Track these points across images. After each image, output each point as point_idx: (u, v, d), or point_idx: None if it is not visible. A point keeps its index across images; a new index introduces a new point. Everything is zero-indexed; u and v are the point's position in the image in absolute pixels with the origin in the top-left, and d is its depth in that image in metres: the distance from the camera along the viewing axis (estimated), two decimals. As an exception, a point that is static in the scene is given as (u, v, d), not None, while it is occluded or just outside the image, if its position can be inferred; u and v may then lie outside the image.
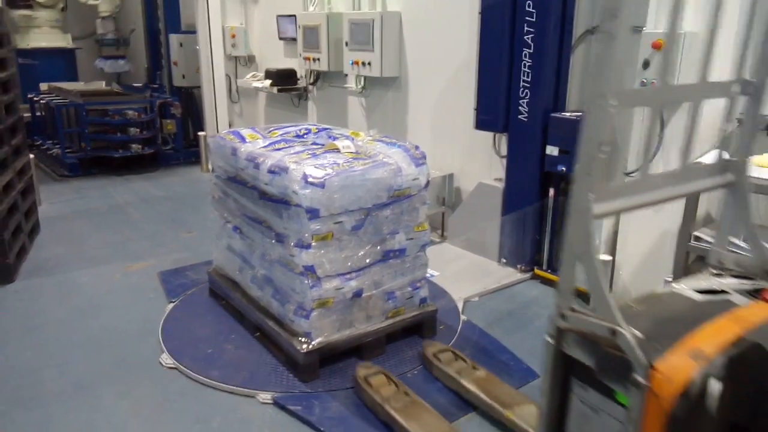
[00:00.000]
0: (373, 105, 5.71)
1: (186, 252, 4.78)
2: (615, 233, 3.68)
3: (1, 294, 4.04)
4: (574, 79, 4.03)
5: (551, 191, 4.00)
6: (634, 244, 3.55)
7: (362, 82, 5.72)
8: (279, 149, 3.25)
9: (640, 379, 1.41)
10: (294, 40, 6.43)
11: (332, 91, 6.21)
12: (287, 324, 3.10)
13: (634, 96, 1.80)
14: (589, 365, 1.56)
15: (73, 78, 9.48)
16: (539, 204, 4.08)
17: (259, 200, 3.17)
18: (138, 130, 7.29)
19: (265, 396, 2.88)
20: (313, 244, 2.87)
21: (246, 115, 7.46)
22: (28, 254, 4.71)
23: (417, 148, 3.24)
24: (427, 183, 3.19)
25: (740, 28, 1.96)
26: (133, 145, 7.30)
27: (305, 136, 3.68)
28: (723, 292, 1.76)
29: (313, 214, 2.80)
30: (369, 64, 5.28)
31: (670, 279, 3.34)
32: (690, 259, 3.48)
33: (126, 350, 3.33)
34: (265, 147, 3.28)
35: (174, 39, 7.88)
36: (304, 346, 2.96)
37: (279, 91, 6.42)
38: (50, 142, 7.90)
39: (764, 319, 1.54)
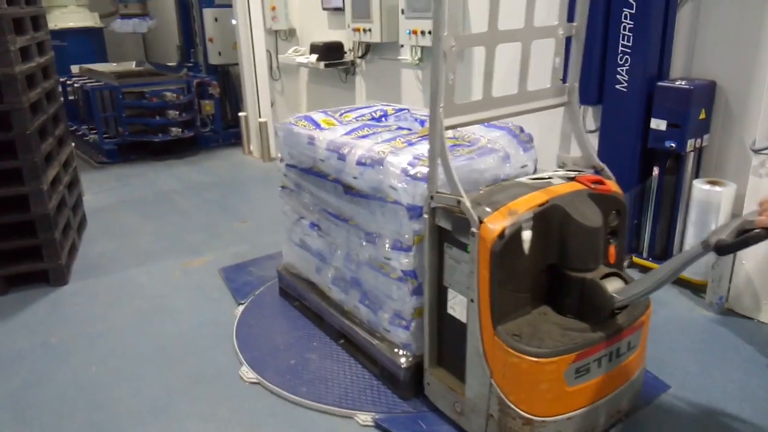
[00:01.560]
0: (432, 78, 5.27)
1: (244, 244, 4.47)
2: (738, 216, 3.25)
3: (56, 298, 3.77)
4: (680, 43, 3.57)
5: (655, 170, 3.57)
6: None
7: (419, 53, 5.28)
8: (364, 136, 2.87)
9: (474, 230, 2.07)
10: (340, 10, 5.98)
11: (384, 65, 5.78)
12: (381, 333, 2.77)
13: (470, 38, 2.38)
14: (450, 229, 2.20)
15: (103, 59, 9.14)
16: (641, 185, 3.66)
17: (345, 195, 2.81)
18: (177, 112, 6.95)
19: (365, 417, 2.56)
20: (415, 246, 2.50)
21: (288, 92, 7.07)
22: (78, 252, 4.43)
23: (522, 130, 2.83)
24: (535, 170, 2.80)
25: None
26: (173, 129, 6.96)
27: (383, 119, 3.29)
28: (549, 178, 2.34)
29: (414, 212, 2.42)
30: (429, 32, 4.83)
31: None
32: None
33: (201, 361, 3.03)
34: (347, 134, 2.90)
35: (208, 13, 7.47)
36: (404, 359, 2.63)
37: (326, 66, 6.00)
38: (85, 127, 7.61)
39: (568, 191, 2.22)
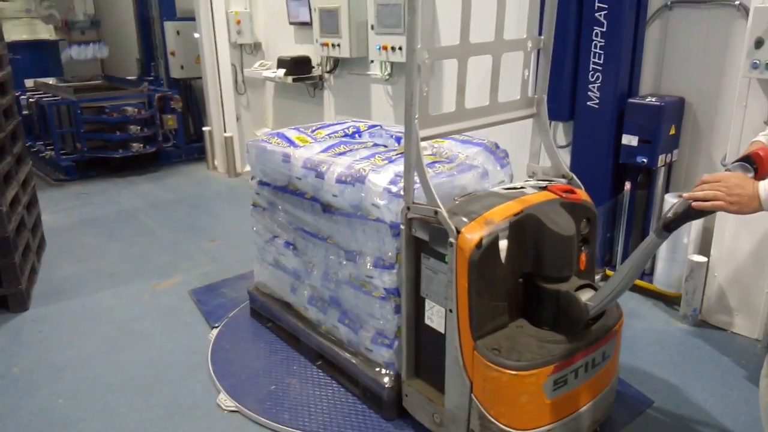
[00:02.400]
0: (402, 93, 5.22)
1: (214, 264, 4.35)
2: (710, 231, 3.33)
3: (17, 325, 3.58)
4: (649, 60, 3.65)
5: (627, 185, 3.63)
6: (732, 244, 3.20)
7: (389, 69, 5.27)
8: (341, 153, 2.83)
9: (452, 240, 2.08)
10: (306, 24, 5.93)
11: (352, 79, 5.75)
12: (362, 353, 2.71)
13: (442, 51, 2.31)
14: (427, 240, 2.21)
15: (59, 73, 8.84)
16: (613, 199, 3.72)
17: (323, 213, 2.76)
18: (138, 127, 6.77)
19: (352, 443, 2.50)
20: (398, 263, 2.46)
21: (254, 107, 6.95)
22: (38, 275, 4.24)
23: (497, 146, 2.84)
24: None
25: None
26: (134, 144, 6.77)
27: (356, 135, 3.26)
28: (522, 188, 2.38)
29: (397, 229, 2.39)
30: (400, 48, 4.82)
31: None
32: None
33: (175, 390, 2.91)
34: (324, 152, 2.85)
35: (170, 27, 7.30)
36: (387, 379, 2.58)
37: (294, 80, 5.93)
38: (41, 143, 7.33)
39: (542, 200, 2.26)
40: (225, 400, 2.79)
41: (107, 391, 2.92)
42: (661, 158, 3.46)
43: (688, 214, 1.81)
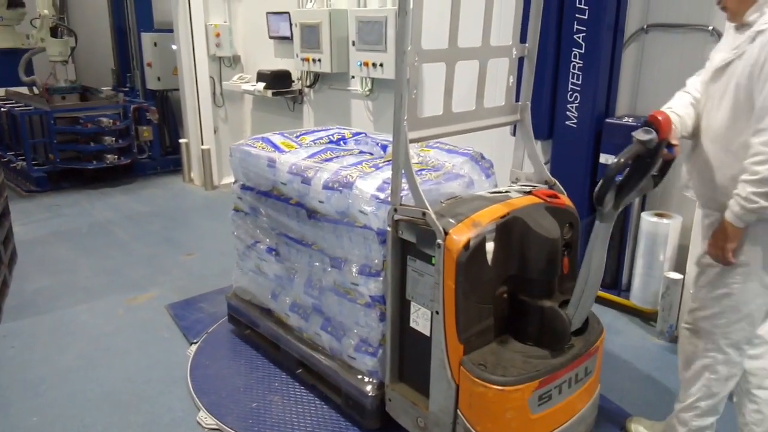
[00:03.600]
0: (382, 108, 5.31)
1: (190, 278, 4.30)
2: (685, 248, 3.41)
3: (-13, 340, 3.48)
4: (625, 81, 3.74)
5: (605, 203, 3.69)
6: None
7: (369, 84, 5.31)
8: (327, 159, 2.82)
9: (440, 241, 2.09)
10: (286, 38, 5.95)
11: (332, 94, 5.77)
12: (345, 361, 2.69)
13: (431, 54, 2.24)
14: (414, 241, 2.22)
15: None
16: (590, 217, 3.78)
17: (308, 219, 2.74)
18: (113, 138, 6.67)
19: (336, 461, 2.48)
20: (384, 270, 2.46)
21: (232, 119, 6.91)
22: (9, 289, 4.13)
23: (483, 156, 2.87)
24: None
25: (516, 2, 2.44)
26: (108, 156, 6.68)
27: (341, 142, 3.25)
28: (507, 192, 2.44)
29: (384, 236, 2.39)
30: (381, 65, 4.87)
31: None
32: None
33: (154, 408, 2.85)
34: (310, 158, 2.85)
35: (147, 38, 7.24)
36: (370, 387, 2.56)
37: (274, 94, 5.93)
38: (11, 153, 7.17)
39: (527, 204, 2.31)
40: (205, 418, 2.75)
41: (84, 408, 2.85)
42: (637, 177, 3.53)
43: (608, 179, 1.91)
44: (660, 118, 1.93)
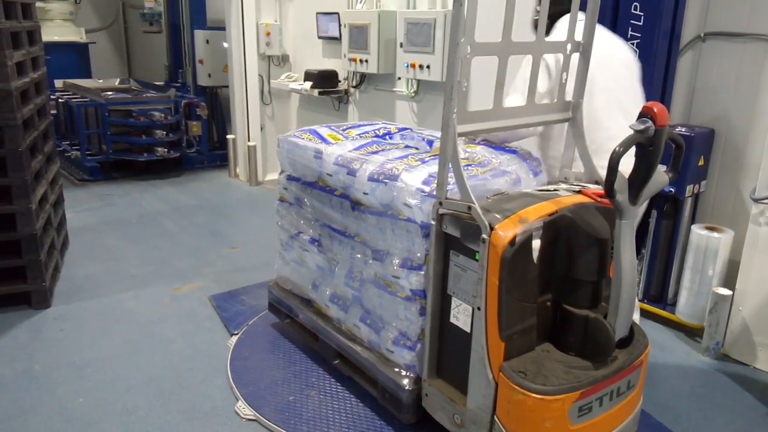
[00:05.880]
0: (427, 110, 5.31)
1: (234, 271, 4.37)
2: (735, 263, 3.30)
3: (39, 322, 3.61)
4: (680, 89, 3.65)
5: (654, 213, 3.61)
6: (758, 278, 3.17)
7: (415, 86, 5.31)
8: (374, 152, 2.83)
9: (485, 236, 2.06)
10: (334, 39, 6.01)
11: (378, 95, 5.80)
12: (383, 354, 2.69)
13: (484, 47, 2.20)
14: (458, 236, 2.20)
15: (87, 74, 9.01)
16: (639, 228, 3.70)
17: (352, 211, 2.75)
18: (163, 132, 6.85)
19: (370, 458, 2.49)
20: (426, 265, 2.45)
21: (278, 117, 7.02)
22: (61, 274, 4.28)
23: (531, 155, 2.83)
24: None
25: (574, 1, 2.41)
26: (158, 149, 6.86)
27: (386, 136, 3.26)
28: (555, 190, 2.40)
29: (428, 230, 2.37)
30: (428, 67, 4.87)
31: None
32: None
33: (195, 396, 2.92)
34: (356, 150, 2.87)
35: (200, 35, 7.43)
36: (407, 381, 2.55)
37: (320, 93, 5.99)
38: (66, 143, 7.44)
39: (576, 203, 2.26)
40: (243, 408, 2.79)
41: (127, 392, 2.94)
42: (689, 188, 3.45)
43: (612, 168, 1.94)
44: (655, 109, 1.95)
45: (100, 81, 8.31)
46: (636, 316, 2.88)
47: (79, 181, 6.84)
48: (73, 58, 9.00)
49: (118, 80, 8.69)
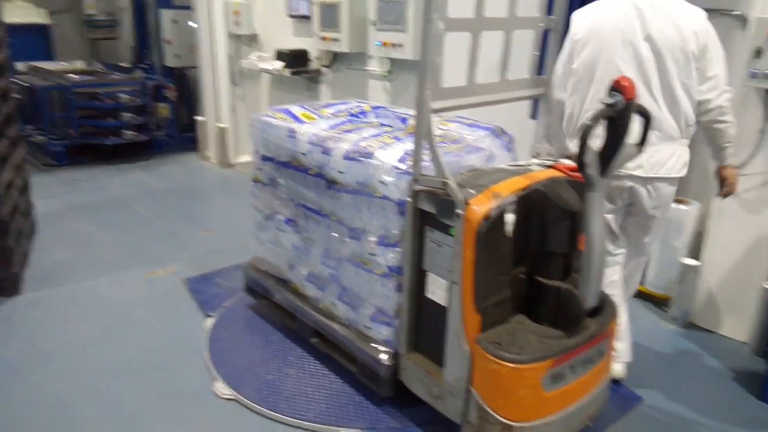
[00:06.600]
0: (400, 89, 5.29)
1: (208, 254, 4.35)
2: (702, 235, 3.40)
3: (9, 309, 3.55)
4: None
5: (622, 188, 3.68)
6: (724, 249, 3.27)
7: (388, 65, 5.28)
8: (348, 131, 2.84)
9: (460, 211, 2.11)
10: (305, 17, 5.93)
11: (350, 74, 5.76)
12: (361, 330, 2.72)
13: (457, 22, 2.23)
14: (433, 212, 2.24)
15: (50, 57, 8.74)
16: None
17: (327, 190, 2.75)
18: (131, 115, 6.72)
19: (350, 433, 2.53)
20: (402, 241, 2.47)
21: (249, 98, 6.92)
22: (30, 260, 4.20)
23: (504, 131, 2.86)
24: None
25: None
26: (126, 132, 6.73)
27: (360, 115, 3.26)
28: (528, 165, 2.45)
29: (403, 207, 2.39)
30: (400, 45, 4.85)
31: (769, 286, 3.09)
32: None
33: (172, 377, 2.91)
34: (330, 129, 2.86)
35: (166, 15, 7.26)
36: (385, 356, 2.59)
37: (293, 73, 5.93)
38: (30, 127, 7.23)
39: (548, 177, 2.31)
40: (222, 388, 2.80)
41: (101, 377, 2.92)
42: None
43: (583, 141, 2.03)
44: (625, 83, 2.00)
45: (65, 63, 8.08)
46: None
47: (45, 166, 6.67)
48: (36, 41, 8.72)
49: (81, 62, 8.47)
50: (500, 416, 2.17)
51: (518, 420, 2.17)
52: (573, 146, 2.54)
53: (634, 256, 2.85)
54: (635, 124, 2.19)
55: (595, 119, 2.02)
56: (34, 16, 8.65)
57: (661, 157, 2.50)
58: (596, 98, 2.43)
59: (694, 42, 2.40)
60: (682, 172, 2.57)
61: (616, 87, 2.01)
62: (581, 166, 2.07)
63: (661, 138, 2.48)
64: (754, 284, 3.18)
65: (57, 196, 5.68)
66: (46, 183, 6.06)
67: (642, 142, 2.21)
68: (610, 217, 2.65)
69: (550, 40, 2.57)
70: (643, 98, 2.38)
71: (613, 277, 2.74)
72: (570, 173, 2.36)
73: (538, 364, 2.13)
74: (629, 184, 2.55)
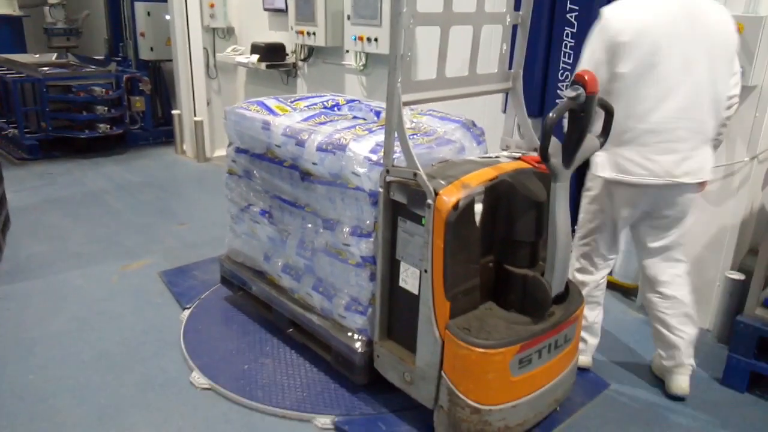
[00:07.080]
0: (376, 84, 5.34)
1: (184, 248, 4.35)
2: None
3: (-17, 302, 3.54)
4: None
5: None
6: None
7: (363, 59, 5.32)
8: (322, 123, 2.88)
9: (430, 201, 2.17)
10: (281, 11, 5.94)
11: (326, 68, 5.79)
12: (335, 320, 2.78)
13: (426, 17, 2.30)
14: (405, 202, 2.30)
15: (21, 49, 8.61)
16: (577, 192, 3.86)
17: (301, 182, 2.80)
18: (105, 108, 6.66)
19: (324, 420, 2.57)
20: (375, 231, 2.53)
21: (225, 92, 6.91)
22: (3, 253, 4.17)
23: (474, 124, 2.93)
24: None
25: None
26: (101, 125, 6.67)
27: (335, 108, 3.30)
28: (496, 157, 2.55)
29: (376, 198, 2.45)
30: (376, 40, 4.89)
31: (732, 275, 3.20)
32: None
33: (148, 368, 2.93)
34: (304, 121, 2.90)
35: (140, 7, 7.20)
36: (360, 344, 2.64)
37: (268, 67, 5.93)
38: (2, 121, 7.15)
39: (515, 168, 2.40)
40: (198, 378, 2.83)
41: (78, 368, 2.93)
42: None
43: (546, 133, 2.11)
44: (586, 77, 2.07)
45: (37, 56, 7.98)
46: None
47: (18, 160, 6.60)
48: (7, 32, 8.59)
49: (55, 55, 8.35)
50: (469, 400, 2.24)
51: (487, 403, 2.25)
52: (628, 153, 2.47)
53: (663, 261, 2.80)
54: (598, 117, 2.28)
55: (558, 112, 2.09)
56: (5, 7, 8.52)
57: (702, 161, 2.50)
58: (646, 105, 2.39)
59: (732, 39, 2.44)
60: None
61: (578, 80, 2.08)
62: (545, 158, 2.15)
63: (703, 141, 2.48)
64: (716, 272, 3.30)
65: (31, 190, 5.63)
66: (20, 176, 6.01)
67: (605, 133, 2.28)
68: (621, 223, 2.70)
69: (518, 35, 2.62)
70: (692, 100, 2.37)
71: (601, 280, 2.84)
72: (536, 165, 2.44)
73: (505, 348, 2.20)
74: (673, 190, 2.52)
